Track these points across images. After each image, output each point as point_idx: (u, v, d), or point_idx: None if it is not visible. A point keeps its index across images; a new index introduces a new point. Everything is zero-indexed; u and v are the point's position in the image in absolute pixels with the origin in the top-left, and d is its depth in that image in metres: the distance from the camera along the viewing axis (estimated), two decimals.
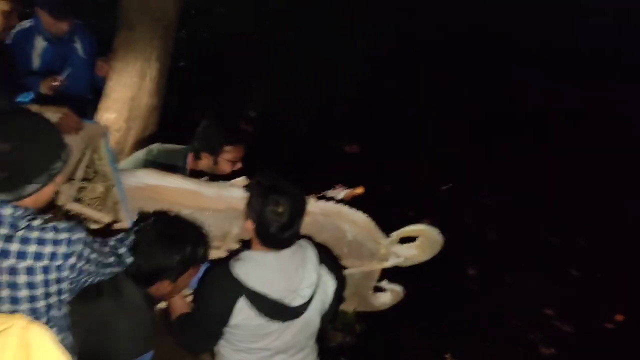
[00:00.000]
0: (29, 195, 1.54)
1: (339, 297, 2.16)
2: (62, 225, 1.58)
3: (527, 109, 6.05)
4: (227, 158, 2.68)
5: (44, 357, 1.13)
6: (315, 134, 5.44)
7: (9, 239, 1.52)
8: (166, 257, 1.90)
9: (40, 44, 3.23)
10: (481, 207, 4.99)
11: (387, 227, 4.36)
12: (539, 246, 4.61)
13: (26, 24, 3.22)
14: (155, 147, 2.71)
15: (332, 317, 2.20)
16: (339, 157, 5.29)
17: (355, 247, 2.60)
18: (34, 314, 1.57)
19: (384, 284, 2.79)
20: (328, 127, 5.47)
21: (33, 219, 1.56)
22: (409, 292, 3.86)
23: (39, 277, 1.54)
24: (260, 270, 1.95)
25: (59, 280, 1.57)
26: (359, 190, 3.02)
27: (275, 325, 2.01)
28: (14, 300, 1.54)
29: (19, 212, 1.54)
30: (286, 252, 1.98)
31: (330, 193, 2.75)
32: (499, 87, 6.16)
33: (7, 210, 1.52)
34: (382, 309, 2.85)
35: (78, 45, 3.34)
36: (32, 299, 1.55)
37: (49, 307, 1.59)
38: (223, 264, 2.04)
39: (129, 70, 3.16)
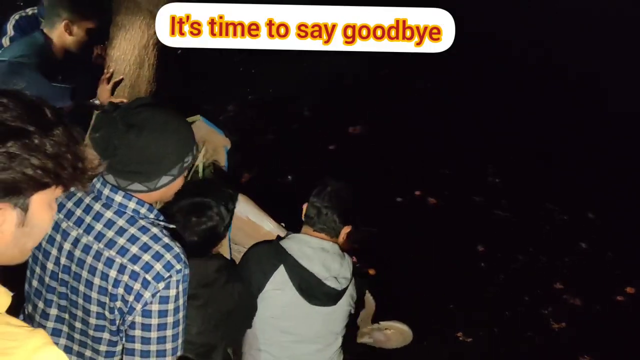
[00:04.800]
0: (163, 187, 1.56)
1: (358, 309, 2.31)
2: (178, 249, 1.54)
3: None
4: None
5: None
6: (318, 116, 5.41)
7: (121, 231, 1.50)
8: (206, 223, 1.96)
9: None
10: (489, 185, 4.96)
11: (392, 210, 4.36)
12: (549, 221, 4.58)
13: (29, 11, 3.19)
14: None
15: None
16: (342, 140, 5.26)
17: None
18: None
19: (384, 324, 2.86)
20: (331, 110, 5.44)
21: (153, 223, 1.55)
22: (417, 272, 3.88)
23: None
24: (305, 247, 2.08)
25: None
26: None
27: (305, 307, 2.07)
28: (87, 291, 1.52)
29: (144, 209, 1.54)
30: (328, 243, 2.11)
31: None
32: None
33: (132, 204, 1.53)
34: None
35: None
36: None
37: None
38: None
39: (127, 58, 3.13)
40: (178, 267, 1.50)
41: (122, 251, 1.49)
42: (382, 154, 5.03)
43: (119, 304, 1.49)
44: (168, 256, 1.49)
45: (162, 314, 1.49)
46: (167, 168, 1.55)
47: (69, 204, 1.58)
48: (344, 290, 2.12)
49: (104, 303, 1.51)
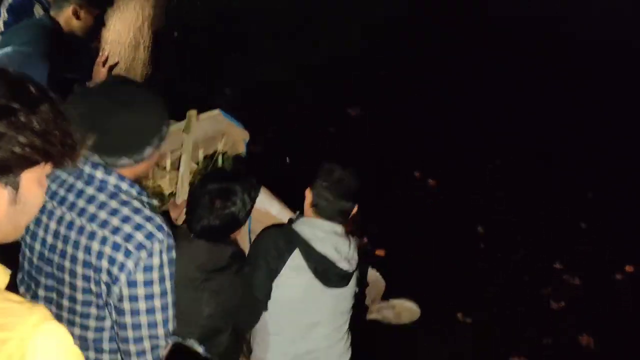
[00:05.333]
0: (147, 157, 1.59)
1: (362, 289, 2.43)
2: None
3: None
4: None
5: None
6: (316, 97, 5.38)
7: (103, 205, 1.53)
8: (230, 207, 2.02)
9: (39, 12, 3.16)
10: (489, 165, 4.95)
11: (394, 189, 4.36)
12: (548, 201, 4.58)
13: None
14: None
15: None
16: (341, 120, 5.24)
17: None
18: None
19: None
20: (329, 90, 5.41)
21: (136, 197, 1.58)
22: (417, 253, 3.89)
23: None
24: (317, 231, 2.14)
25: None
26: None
27: (319, 290, 2.13)
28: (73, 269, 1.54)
29: (125, 184, 1.57)
30: (338, 226, 2.18)
31: None
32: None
33: (112, 179, 1.56)
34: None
35: None
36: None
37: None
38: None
39: (122, 40, 3.11)
40: (159, 236, 1.52)
41: (104, 224, 1.51)
42: (381, 135, 5.02)
43: (104, 277, 1.51)
44: (149, 226, 1.52)
45: (148, 284, 1.51)
46: (149, 138, 1.58)
47: (53, 186, 1.60)
48: (354, 271, 2.20)
49: (89, 277, 1.53)
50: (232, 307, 2.09)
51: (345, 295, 2.24)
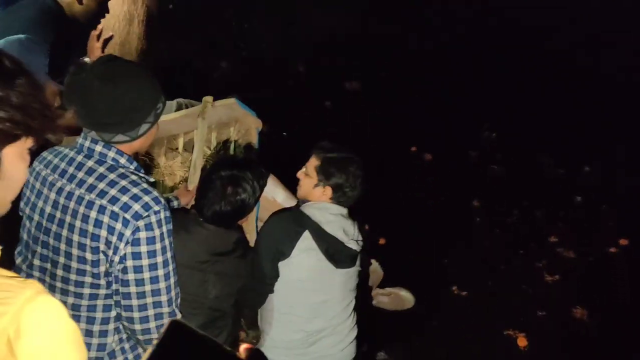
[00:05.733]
0: (143, 134, 1.65)
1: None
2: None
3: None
4: None
5: (40, 337, 1.01)
6: (313, 71, 5.34)
7: (101, 177, 1.59)
8: (240, 194, 2.09)
9: None
10: (485, 140, 4.95)
11: (390, 163, 4.36)
12: (545, 175, 4.59)
13: None
14: (183, 101, 2.78)
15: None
16: (338, 95, 5.21)
17: None
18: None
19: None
20: (326, 65, 5.37)
21: (133, 172, 1.64)
22: (413, 228, 3.91)
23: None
24: (326, 214, 2.21)
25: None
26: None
27: (329, 270, 2.20)
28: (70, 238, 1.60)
29: (123, 159, 1.63)
30: (345, 209, 2.27)
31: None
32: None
33: (111, 153, 1.62)
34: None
35: None
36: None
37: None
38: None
39: (116, 14, 3.05)
40: (156, 208, 1.58)
41: (102, 194, 1.57)
42: (378, 109, 5.00)
43: (102, 246, 1.57)
44: (146, 198, 1.58)
45: (151, 254, 1.57)
46: (144, 115, 1.63)
47: (55, 159, 1.67)
48: (361, 251, 2.29)
49: (84, 245, 1.58)
50: (235, 290, 2.16)
51: (351, 274, 2.30)
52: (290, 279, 2.21)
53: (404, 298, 3.06)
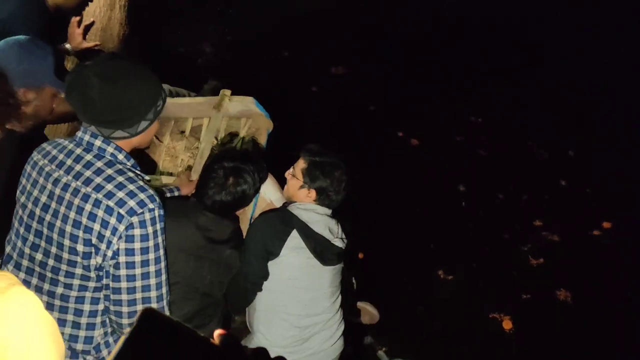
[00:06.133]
0: (142, 131, 1.68)
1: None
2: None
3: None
4: None
5: (12, 328, 0.99)
6: (299, 55, 5.31)
7: (99, 171, 1.62)
8: (241, 185, 2.16)
9: None
10: (470, 124, 4.96)
11: (376, 149, 4.36)
12: (529, 160, 4.62)
13: None
14: (168, 87, 2.82)
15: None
16: (325, 80, 5.19)
17: None
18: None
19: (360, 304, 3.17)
20: (313, 49, 5.34)
21: (130, 169, 1.67)
22: (400, 212, 3.93)
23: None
24: (312, 214, 2.29)
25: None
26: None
27: (317, 267, 2.26)
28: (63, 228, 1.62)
29: (121, 155, 1.65)
30: (329, 210, 2.35)
31: None
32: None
33: (110, 149, 1.65)
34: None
35: None
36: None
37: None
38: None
39: (97, 0, 3.01)
40: (151, 206, 1.61)
41: (98, 188, 1.59)
42: (364, 95, 4.99)
43: (94, 239, 1.58)
44: (142, 195, 1.60)
45: (144, 250, 1.60)
46: (144, 112, 1.66)
47: (54, 151, 1.69)
48: (343, 253, 2.37)
49: (77, 236, 1.60)
50: (226, 279, 2.21)
51: (337, 270, 2.37)
52: (281, 277, 2.27)
53: (371, 314, 3.16)
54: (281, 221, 2.29)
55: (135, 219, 1.57)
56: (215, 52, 5.24)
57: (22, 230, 1.71)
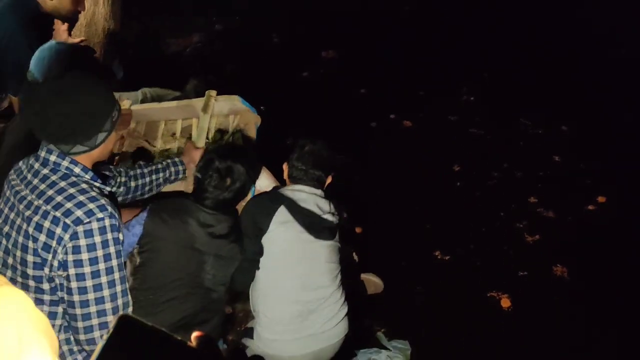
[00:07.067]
0: (101, 143, 1.70)
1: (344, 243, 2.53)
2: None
3: None
4: None
5: (4, 328, 0.97)
6: (290, 43, 5.28)
7: (52, 184, 1.64)
8: (236, 183, 2.22)
9: None
10: (463, 103, 4.95)
11: (367, 138, 4.36)
12: (523, 136, 4.62)
13: None
14: (147, 90, 2.81)
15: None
16: (316, 64, 5.16)
17: None
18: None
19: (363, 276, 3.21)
20: (303, 33, 5.31)
21: (86, 181, 1.68)
22: (394, 194, 3.94)
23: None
24: (299, 193, 2.35)
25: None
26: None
27: (311, 242, 2.30)
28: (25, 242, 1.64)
29: (77, 169, 1.67)
30: (318, 191, 2.39)
31: None
32: None
33: (65, 163, 1.67)
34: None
35: None
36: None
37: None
38: None
39: None
40: (100, 215, 1.61)
41: (49, 200, 1.61)
42: (356, 78, 4.97)
43: (40, 250, 1.60)
44: (91, 205, 1.61)
45: (93, 261, 1.60)
46: (100, 124, 1.68)
47: (23, 168, 1.73)
48: (338, 224, 2.40)
49: (26, 246, 1.63)
50: (228, 273, 2.26)
51: (332, 247, 2.39)
52: (272, 251, 2.30)
53: (375, 284, 3.20)
54: (269, 199, 2.38)
55: (80, 228, 1.58)
56: (204, 40, 5.21)
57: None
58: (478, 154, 4.39)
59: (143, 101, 2.83)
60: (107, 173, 2.05)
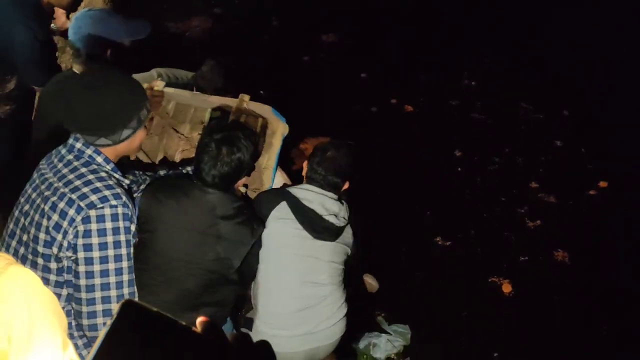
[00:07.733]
0: (126, 139, 1.74)
1: (357, 248, 2.52)
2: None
3: None
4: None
5: (14, 305, 1.00)
6: (289, 26, 5.24)
7: (74, 169, 1.70)
8: (235, 153, 2.15)
9: None
10: (464, 88, 4.93)
11: (369, 123, 4.34)
12: (524, 121, 4.60)
13: None
14: (163, 71, 2.79)
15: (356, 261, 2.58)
16: (316, 48, 5.13)
17: None
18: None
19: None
20: (303, 17, 5.26)
21: (106, 171, 1.73)
22: (396, 179, 3.93)
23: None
24: (307, 193, 2.34)
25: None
26: None
27: (310, 241, 2.29)
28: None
29: (100, 158, 1.73)
30: (329, 192, 2.36)
31: None
32: None
33: (89, 151, 1.72)
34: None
35: None
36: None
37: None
38: None
39: None
40: (113, 202, 1.65)
41: (68, 183, 1.66)
42: (356, 62, 4.94)
43: (51, 229, 1.64)
44: (106, 192, 1.65)
45: (103, 246, 1.63)
46: (126, 121, 1.72)
47: (53, 157, 1.78)
48: (344, 227, 2.37)
49: (40, 224, 1.67)
50: (235, 255, 2.19)
51: (337, 249, 2.38)
52: (271, 246, 2.30)
53: (370, 285, 3.20)
54: (274, 194, 2.39)
55: (93, 212, 1.61)
56: (203, 24, 5.16)
57: (11, 225, 1.79)
58: (479, 139, 4.38)
59: (158, 78, 2.81)
60: (132, 177, 2.06)
